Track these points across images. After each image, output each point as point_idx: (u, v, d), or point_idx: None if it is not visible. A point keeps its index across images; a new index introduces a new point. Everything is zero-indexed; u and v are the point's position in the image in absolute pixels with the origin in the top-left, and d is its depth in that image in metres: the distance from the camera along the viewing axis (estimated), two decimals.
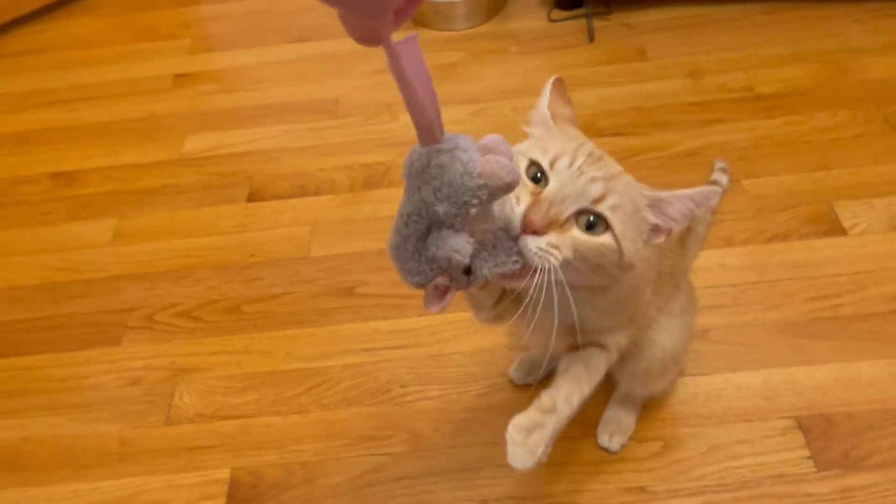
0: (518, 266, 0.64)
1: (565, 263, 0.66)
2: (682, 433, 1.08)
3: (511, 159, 0.58)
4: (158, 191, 1.56)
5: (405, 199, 0.58)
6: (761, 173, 1.41)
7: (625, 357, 0.98)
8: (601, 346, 0.86)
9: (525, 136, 0.77)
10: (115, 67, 1.90)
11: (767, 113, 1.54)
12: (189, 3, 2.08)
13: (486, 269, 0.64)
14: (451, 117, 1.63)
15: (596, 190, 0.66)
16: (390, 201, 1.46)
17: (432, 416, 1.14)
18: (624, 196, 0.67)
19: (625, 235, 0.67)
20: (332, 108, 1.69)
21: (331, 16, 1.91)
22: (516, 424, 0.74)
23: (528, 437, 0.74)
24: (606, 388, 1.11)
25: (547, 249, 0.64)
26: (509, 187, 0.58)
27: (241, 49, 1.91)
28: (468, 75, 1.73)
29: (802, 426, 1.06)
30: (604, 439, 1.08)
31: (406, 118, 1.62)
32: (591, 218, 0.66)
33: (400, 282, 1.33)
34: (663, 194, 0.69)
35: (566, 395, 0.79)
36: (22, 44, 2.03)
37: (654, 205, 0.69)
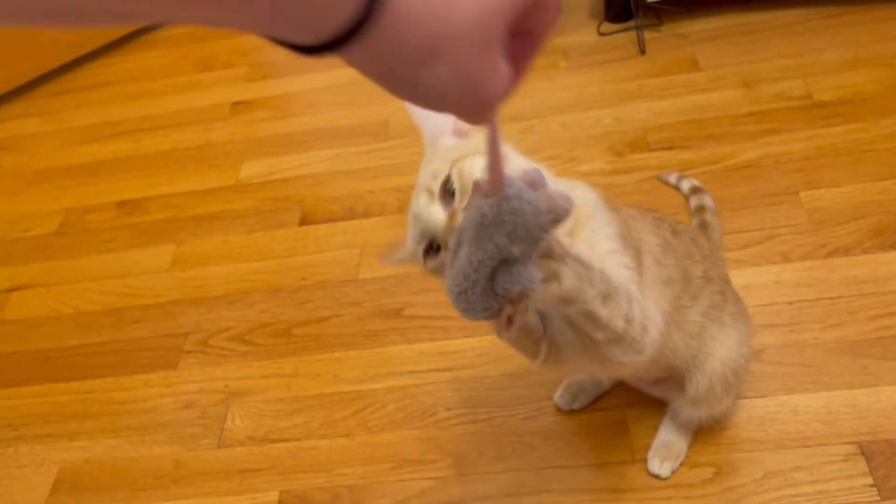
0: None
1: None
2: (736, 458, 1.04)
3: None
4: (215, 217, 1.61)
5: (474, 248, 0.60)
6: (820, 184, 1.35)
7: (685, 379, 0.95)
8: None
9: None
10: (177, 98, 1.98)
11: (827, 121, 1.47)
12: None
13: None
14: None
15: None
16: None
17: (477, 439, 1.13)
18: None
19: None
20: (382, 131, 1.71)
21: None
22: None
23: None
24: (657, 412, 1.08)
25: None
26: (567, 214, 0.60)
27: (293, 75, 1.95)
28: (516, 93, 1.72)
29: (865, 452, 1.01)
30: (654, 465, 1.05)
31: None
32: None
33: (446, 303, 1.33)
34: None
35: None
36: (92, 77, 2.13)
37: None
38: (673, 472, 1.04)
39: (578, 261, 0.66)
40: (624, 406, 1.12)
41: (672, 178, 1.41)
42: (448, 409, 1.17)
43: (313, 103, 1.84)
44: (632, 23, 1.79)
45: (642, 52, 1.74)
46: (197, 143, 1.81)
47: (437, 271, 0.71)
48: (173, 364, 1.33)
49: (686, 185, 1.38)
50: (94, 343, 1.40)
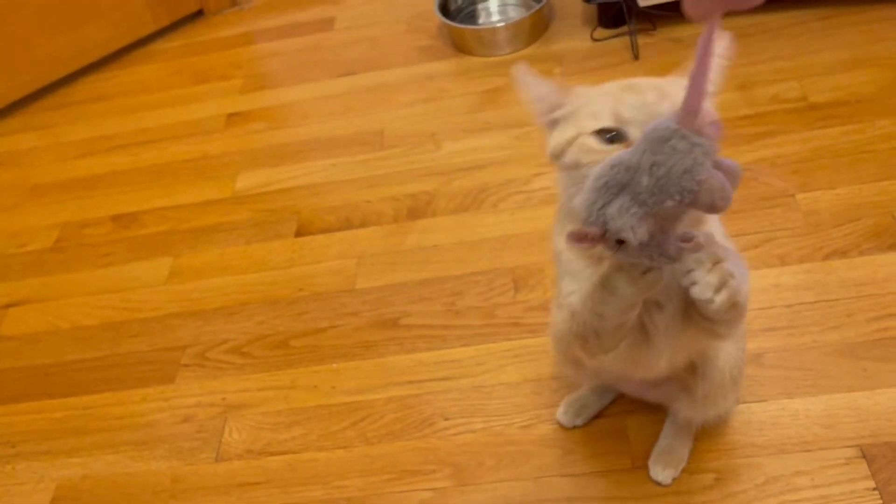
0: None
1: None
2: (737, 464, 1.03)
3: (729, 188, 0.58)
4: (212, 229, 1.60)
5: (631, 149, 0.58)
6: (817, 186, 1.35)
7: (696, 375, 0.94)
8: None
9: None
10: (173, 110, 1.98)
11: (824, 122, 1.47)
12: (240, 44, 2.15)
13: (634, 256, 0.62)
14: (495, 142, 1.62)
15: (666, 106, 0.67)
16: (434, 230, 1.46)
17: (476, 449, 1.13)
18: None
19: None
20: (377, 140, 1.71)
21: (376, 49, 1.95)
22: None
23: None
24: (657, 419, 1.08)
25: None
26: (712, 209, 0.58)
27: (289, 86, 1.95)
28: (512, 100, 1.72)
29: (867, 455, 1.00)
30: (656, 472, 1.04)
31: (449, 146, 1.64)
32: None
33: (443, 312, 1.33)
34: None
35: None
36: (88, 91, 2.13)
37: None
38: (674, 479, 1.03)
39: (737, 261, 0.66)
40: (624, 413, 1.12)
41: None
42: (446, 419, 1.17)
43: (308, 114, 1.84)
44: (625, 28, 1.79)
45: (636, 57, 1.74)
46: (193, 156, 1.81)
47: (580, 156, 0.69)
48: (171, 378, 1.33)
49: None
50: (92, 358, 1.40)
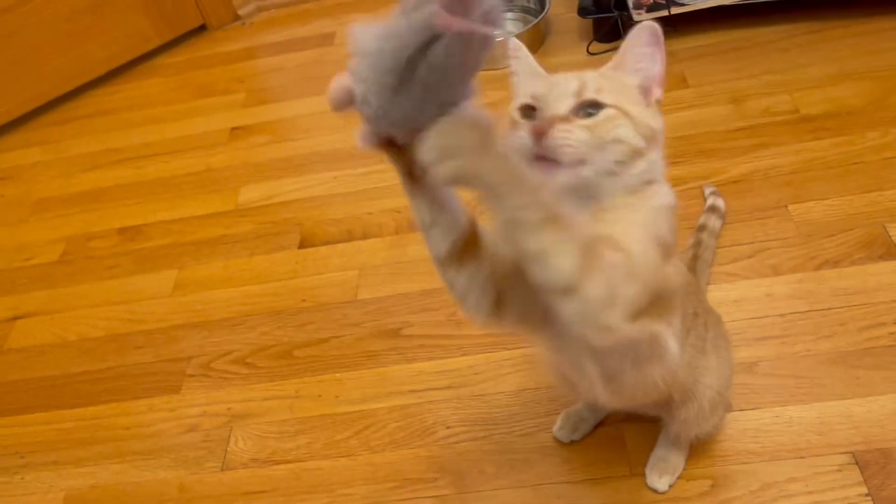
0: None
1: (590, 152, 0.68)
2: (732, 471, 1.06)
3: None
4: (216, 241, 1.63)
5: None
6: (809, 197, 1.38)
7: (679, 406, 0.96)
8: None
9: None
10: (177, 124, 2.01)
11: (815, 135, 1.50)
12: (243, 59, 2.18)
13: None
14: None
15: (573, 85, 0.70)
16: None
17: (477, 457, 1.15)
18: (602, 79, 0.72)
19: (622, 102, 0.70)
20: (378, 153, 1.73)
21: None
22: None
23: None
24: (654, 427, 1.10)
25: (563, 136, 0.67)
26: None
27: (291, 100, 1.98)
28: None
29: (859, 462, 1.03)
30: (652, 479, 1.06)
31: None
32: (589, 109, 0.69)
33: (444, 322, 1.36)
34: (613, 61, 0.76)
35: None
36: (93, 106, 2.16)
37: (618, 67, 0.75)
38: (671, 486, 1.06)
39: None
40: (621, 421, 1.14)
41: (707, 190, 1.41)
42: (448, 428, 1.19)
43: (311, 127, 1.87)
44: (620, 42, 1.82)
45: None
46: (197, 169, 1.84)
47: None
48: (176, 388, 1.35)
49: (710, 200, 1.38)
50: (98, 369, 1.42)
